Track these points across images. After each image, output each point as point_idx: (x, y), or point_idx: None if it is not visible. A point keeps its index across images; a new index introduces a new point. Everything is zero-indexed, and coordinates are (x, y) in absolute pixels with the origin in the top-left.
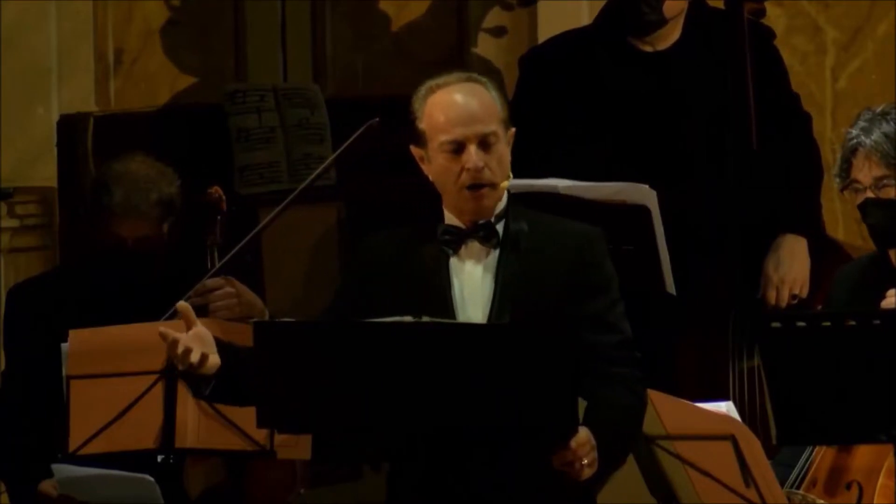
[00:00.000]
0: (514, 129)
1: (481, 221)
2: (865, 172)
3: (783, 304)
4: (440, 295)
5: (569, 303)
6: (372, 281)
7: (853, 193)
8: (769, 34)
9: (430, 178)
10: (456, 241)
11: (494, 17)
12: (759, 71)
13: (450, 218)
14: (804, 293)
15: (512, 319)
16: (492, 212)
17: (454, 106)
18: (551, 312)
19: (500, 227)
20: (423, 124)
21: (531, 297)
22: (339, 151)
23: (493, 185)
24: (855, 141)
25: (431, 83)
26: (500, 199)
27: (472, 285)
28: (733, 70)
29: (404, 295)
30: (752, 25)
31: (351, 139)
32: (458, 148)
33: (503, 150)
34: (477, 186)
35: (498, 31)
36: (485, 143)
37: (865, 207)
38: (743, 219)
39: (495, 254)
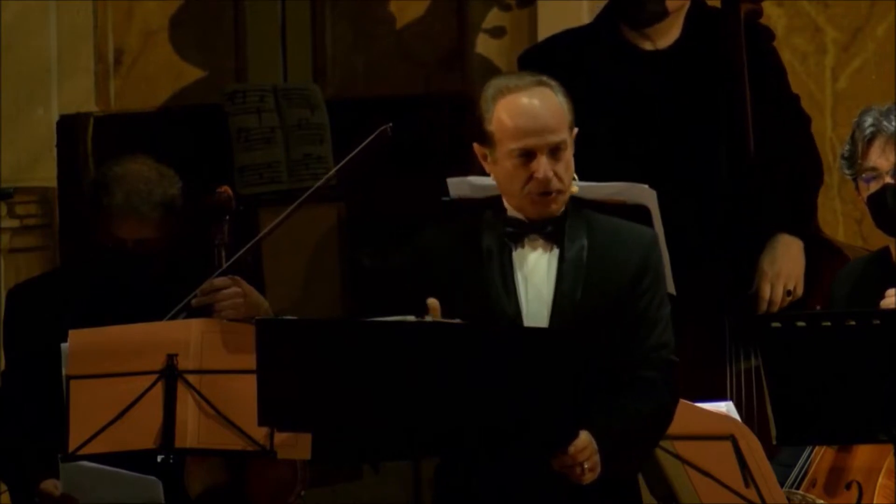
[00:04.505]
0: (576, 129)
1: (546, 217)
2: (886, 158)
3: (777, 299)
4: (506, 288)
5: (626, 304)
6: (431, 272)
7: (864, 183)
8: (768, 35)
9: (493, 177)
10: (519, 234)
11: (495, 17)
12: (758, 71)
13: (512, 211)
14: (799, 291)
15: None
16: (558, 212)
17: (525, 114)
18: (607, 315)
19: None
20: (491, 126)
21: (593, 295)
22: (350, 156)
23: (561, 192)
24: (874, 128)
25: (501, 84)
26: (566, 201)
27: (537, 280)
28: (729, 71)
29: (465, 287)
30: (750, 26)
31: (362, 145)
32: (528, 156)
33: (570, 155)
34: (546, 194)
35: (498, 31)
36: (554, 152)
37: (885, 193)
38: (738, 219)
39: (556, 250)
